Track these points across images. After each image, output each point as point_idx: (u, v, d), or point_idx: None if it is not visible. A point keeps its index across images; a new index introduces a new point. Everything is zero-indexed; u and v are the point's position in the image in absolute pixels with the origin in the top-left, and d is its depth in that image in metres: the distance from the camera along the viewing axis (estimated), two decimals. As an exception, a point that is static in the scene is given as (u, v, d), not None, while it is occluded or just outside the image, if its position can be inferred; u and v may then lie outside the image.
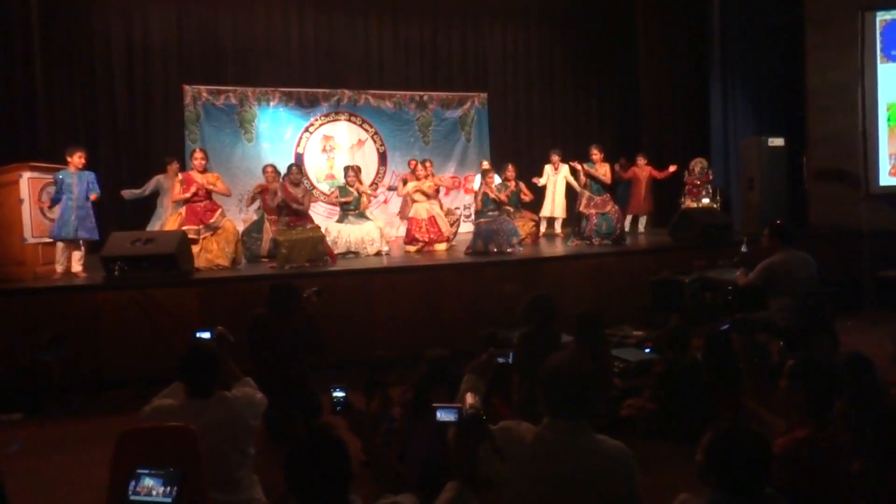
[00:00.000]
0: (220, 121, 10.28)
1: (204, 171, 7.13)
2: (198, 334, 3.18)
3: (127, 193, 7.97)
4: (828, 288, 5.53)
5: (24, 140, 8.45)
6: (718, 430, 1.99)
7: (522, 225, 8.71)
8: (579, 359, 2.12)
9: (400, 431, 3.52)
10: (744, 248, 6.19)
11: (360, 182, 8.20)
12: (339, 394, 2.37)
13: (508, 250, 7.57)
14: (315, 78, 10.98)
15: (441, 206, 8.70)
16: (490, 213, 7.88)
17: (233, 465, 2.66)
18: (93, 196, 6.61)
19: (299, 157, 10.59)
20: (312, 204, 8.24)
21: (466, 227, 9.85)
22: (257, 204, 8.14)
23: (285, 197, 7.24)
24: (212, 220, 6.99)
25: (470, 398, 1.94)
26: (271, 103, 10.64)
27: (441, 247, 8.19)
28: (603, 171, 8.18)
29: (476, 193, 8.13)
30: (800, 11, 9.30)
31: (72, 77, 9.59)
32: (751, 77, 10.27)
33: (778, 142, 8.71)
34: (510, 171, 8.65)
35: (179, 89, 10.16)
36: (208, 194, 7.09)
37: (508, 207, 8.50)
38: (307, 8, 10.95)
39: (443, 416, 1.97)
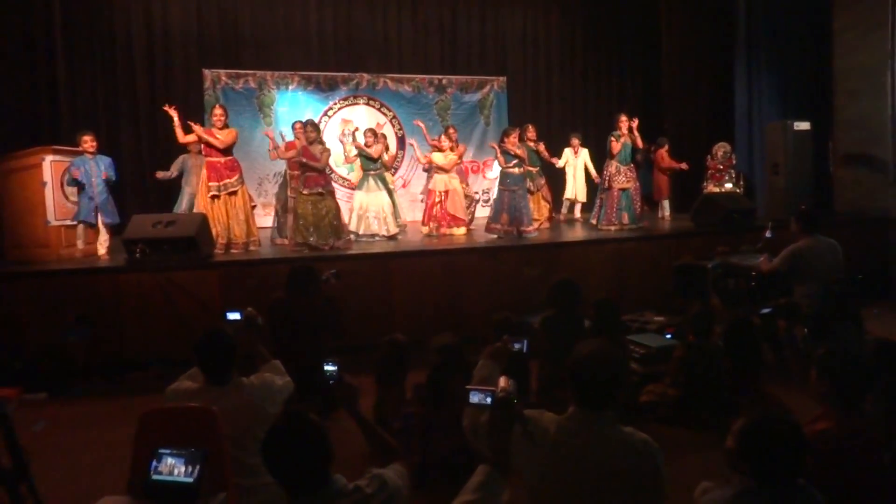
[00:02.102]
0: (240, 105, 10.30)
1: (223, 127, 7.00)
2: (228, 315, 3.19)
3: (160, 175, 7.98)
4: (854, 275, 5.43)
5: (47, 124, 8.54)
6: (752, 416, 1.95)
7: (537, 207, 8.69)
8: (609, 347, 2.09)
9: (420, 425, 3.51)
10: (768, 234, 6.09)
11: (380, 143, 8.17)
12: (330, 367, 2.39)
13: (528, 229, 7.57)
14: (334, 62, 10.95)
15: (462, 183, 8.63)
16: (513, 172, 7.78)
17: (248, 451, 2.66)
18: (103, 174, 6.64)
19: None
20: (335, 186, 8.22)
21: (483, 212, 9.80)
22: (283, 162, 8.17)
23: (306, 158, 7.07)
24: (230, 180, 6.90)
25: (503, 381, 1.94)
26: (290, 87, 10.65)
27: (459, 231, 8.14)
28: (632, 138, 8.12)
29: (497, 150, 8.06)
30: (828, -8, 9.09)
31: (93, 61, 9.62)
32: (776, 59, 10.07)
33: (804, 126, 8.56)
34: (531, 131, 8.82)
35: (199, 73, 10.19)
36: (228, 151, 6.99)
37: (531, 168, 8.59)
38: (326, -9, 10.90)
39: (476, 398, 1.98)
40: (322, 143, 7.26)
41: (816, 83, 9.64)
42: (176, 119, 7.07)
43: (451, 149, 8.35)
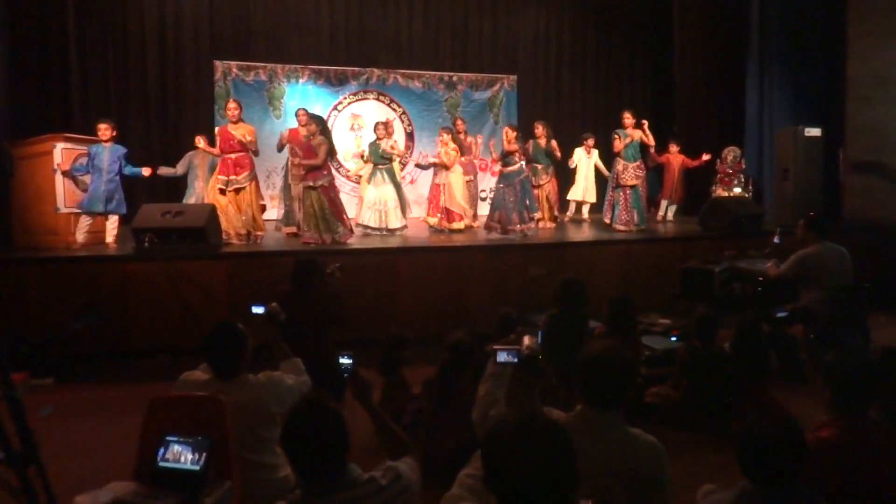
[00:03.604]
0: (250, 97, 10.31)
1: (237, 121, 7.13)
2: (252, 308, 3.21)
3: (163, 171, 8.02)
4: (861, 282, 5.41)
5: (59, 112, 8.59)
6: (753, 419, 1.96)
7: (539, 205, 8.64)
8: (620, 347, 2.10)
9: (427, 421, 3.52)
10: (776, 239, 6.08)
11: (389, 136, 8.18)
12: (345, 360, 2.40)
13: (513, 228, 7.55)
14: (344, 56, 10.96)
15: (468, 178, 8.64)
16: (505, 171, 7.78)
17: (250, 448, 2.67)
18: (145, 171, 6.83)
19: (327, 135, 10.62)
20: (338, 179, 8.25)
21: (483, 210, 9.81)
22: (286, 151, 8.23)
23: (305, 159, 7.00)
24: (239, 177, 6.98)
25: (528, 340, 2.05)
26: (300, 80, 10.66)
27: (457, 225, 8.16)
28: (638, 135, 8.05)
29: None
30: (843, -2, 9.04)
31: (104, 51, 9.66)
32: (789, 64, 10.02)
33: (815, 132, 8.52)
34: (538, 128, 8.79)
35: (210, 65, 10.22)
36: (242, 146, 7.05)
37: (536, 164, 8.65)
38: (338, -15, 10.92)
39: (503, 357, 2.10)
40: (322, 136, 7.13)
41: (828, 89, 9.60)
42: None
43: (449, 143, 8.40)
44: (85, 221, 6.63)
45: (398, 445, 2.16)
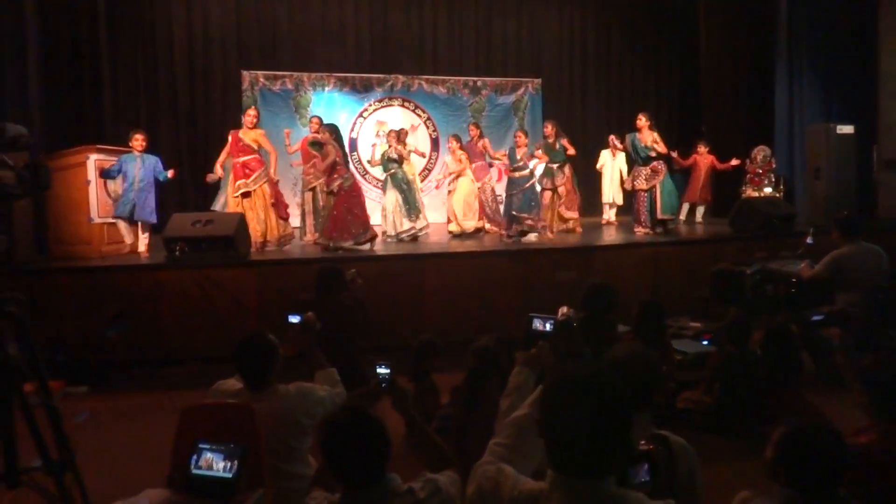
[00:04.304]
0: (276, 105, 10.45)
1: (253, 127, 7.26)
2: (289, 318, 3.21)
3: (209, 178, 8.09)
4: (898, 283, 5.28)
5: (91, 124, 8.76)
6: (792, 424, 1.92)
7: (550, 208, 8.55)
8: (645, 350, 2.08)
9: (455, 427, 3.51)
10: (809, 240, 5.96)
11: (403, 144, 8.24)
12: (383, 370, 2.39)
13: (503, 231, 7.72)
14: (369, 63, 11.04)
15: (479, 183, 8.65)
16: (513, 176, 7.81)
17: (279, 458, 2.67)
18: (170, 173, 6.90)
19: (353, 142, 10.70)
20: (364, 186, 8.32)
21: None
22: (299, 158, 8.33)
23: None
24: (248, 180, 7.07)
25: (564, 309, 2.21)
26: (326, 88, 10.76)
27: (451, 228, 8.43)
28: (651, 138, 7.79)
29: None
30: (873, -8, 8.85)
31: (135, 63, 9.88)
32: (819, 61, 9.83)
33: (847, 129, 8.36)
34: (547, 128, 8.65)
35: (238, 75, 10.36)
36: (251, 150, 7.16)
37: (552, 165, 8.43)
38: (362, -7, 11.00)
39: (539, 325, 2.24)
40: (332, 140, 7.21)
41: (860, 86, 9.39)
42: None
43: (456, 151, 8.58)
44: (124, 226, 6.78)
45: (439, 457, 2.12)
